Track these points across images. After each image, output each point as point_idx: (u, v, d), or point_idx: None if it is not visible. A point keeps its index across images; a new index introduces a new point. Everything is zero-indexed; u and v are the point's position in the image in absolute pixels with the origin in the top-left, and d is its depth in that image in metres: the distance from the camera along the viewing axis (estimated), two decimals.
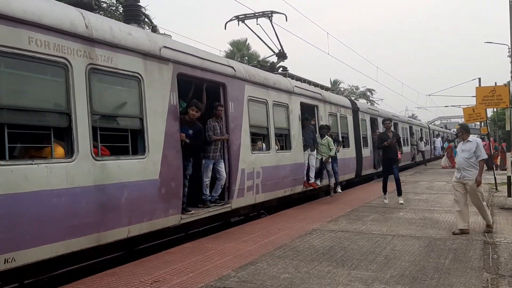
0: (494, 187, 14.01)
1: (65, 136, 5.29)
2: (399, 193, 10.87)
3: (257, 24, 12.37)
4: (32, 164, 4.80)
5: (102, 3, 17.43)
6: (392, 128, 11.30)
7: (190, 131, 7.38)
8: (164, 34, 8.32)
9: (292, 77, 12.42)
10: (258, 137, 9.88)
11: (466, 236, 7.29)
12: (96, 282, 5.14)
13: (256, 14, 12.37)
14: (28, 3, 4.93)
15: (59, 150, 5.22)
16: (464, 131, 7.93)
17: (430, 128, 37.24)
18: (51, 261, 5.06)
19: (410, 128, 26.74)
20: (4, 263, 4.47)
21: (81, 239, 5.30)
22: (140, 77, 6.34)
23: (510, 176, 11.37)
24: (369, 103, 42.17)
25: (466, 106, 19.97)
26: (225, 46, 41.83)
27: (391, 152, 10.74)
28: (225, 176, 8.29)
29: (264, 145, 10.01)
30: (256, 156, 9.40)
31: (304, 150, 11.67)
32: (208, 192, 8.17)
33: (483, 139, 26.96)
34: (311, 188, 11.96)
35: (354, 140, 16.00)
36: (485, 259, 5.89)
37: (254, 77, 9.63)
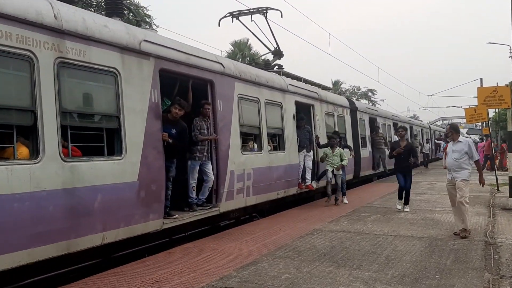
0: (496, 188, 13.84)
1: (30, 135, 4.87)
2: (406, 202, 10.36)
3: (251, 20, 11.98)
4: None
5: None
6: (407, 137, 10.49)
7: (173, 131, 6.95)
8: (151, 29, 7.92)
9: (287, 75, 11.99)
10: (250, 137, 9.45)
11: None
12: (97, 282, 5.06)
13: (250, 11, 11.95)
14: None
15: (23, 151, 4.80)
16: (454, 132, 7.70)
17: (431, 129, 36.91)
18: (15, 270, 4.65)
19: (411, 128, 26.28)
20: None
21: (48, 247, 4.89)
22: (117, 72, 5.92)
23: None
24: (370, 104, 41.84)
25: (468, 107, 19.61)
26: (227, 46, 41.62)
27: (403, 161, 10.08)
28: (212, 178, 7.86)
29: (256, 146, 9.59)
30: (247, 157, 8.98)
31: (300, 151, 11.25)
32: (194, 195, 7.75)
33: (483, 140, 26.51)
34: (307, 190, 11.53)
35: (352, 140, 15.57)
36: (487, 260, 5.85)
37: (245, 74, 9.20)
